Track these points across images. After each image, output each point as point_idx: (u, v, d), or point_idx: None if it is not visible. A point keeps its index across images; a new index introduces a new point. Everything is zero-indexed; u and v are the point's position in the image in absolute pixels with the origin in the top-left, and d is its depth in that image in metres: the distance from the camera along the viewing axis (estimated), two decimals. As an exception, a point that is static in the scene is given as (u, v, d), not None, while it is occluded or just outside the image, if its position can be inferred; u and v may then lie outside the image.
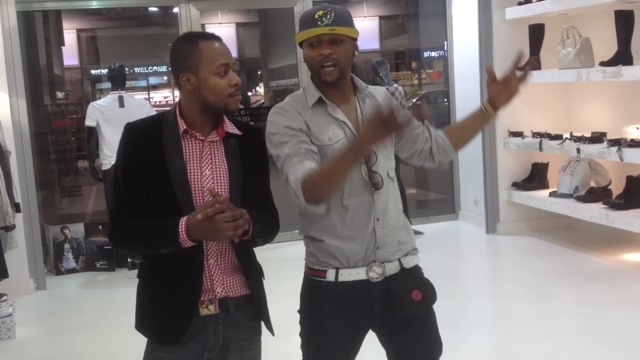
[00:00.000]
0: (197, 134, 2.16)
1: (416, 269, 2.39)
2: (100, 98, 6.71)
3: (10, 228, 5.19)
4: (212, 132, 2.18)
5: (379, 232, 2.28)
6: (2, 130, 5.49)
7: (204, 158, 2.15)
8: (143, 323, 2.22)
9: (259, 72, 13.03)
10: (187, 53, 2.12)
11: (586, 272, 5.47)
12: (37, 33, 8.29)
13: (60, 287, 6.09)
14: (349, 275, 2.28)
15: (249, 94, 13.62)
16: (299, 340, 2.39)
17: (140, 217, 2.12)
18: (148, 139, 2.14)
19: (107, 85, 7.05)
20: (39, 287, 5.90)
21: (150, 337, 2.21)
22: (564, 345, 4.15)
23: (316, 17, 2.23)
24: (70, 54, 11.96)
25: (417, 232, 7.06)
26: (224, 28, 12.63)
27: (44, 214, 6.89)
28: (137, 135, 2.17)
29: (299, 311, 2.39)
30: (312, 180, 2.11)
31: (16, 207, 5.37)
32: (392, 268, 2.31)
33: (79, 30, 12.49)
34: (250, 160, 2.20)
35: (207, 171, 2.14)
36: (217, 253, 2.16)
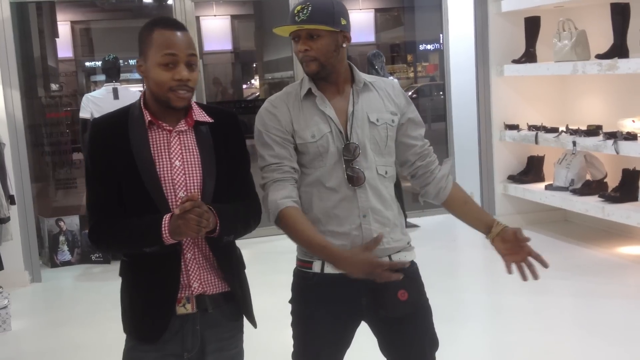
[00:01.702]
0: (164, 125, 2.08)
1: (409, 266, 2.35)
2: (94, 90, 6.68)
3: (4, 220, 5.17)
4: (181, 121, 2.10)
5: (366, 228, 2.26)
6: (-4, 122, 5.46)
7: (173, 149, 2.07)
8: (124, 321, 2.18)
9: (254, 65, 13.00)
10: (143, 38, 2.06)
11: (582, 265, 5.48)
12: (30, 25, 8.24)
13: (55, 280, 6.08)
14: (335, 267, 2.26)
15: (244, 86, 13.59)
16: (289, 334, 2.39)
17: (117, 214, 2.06)
18: (114, 134, 2.07)
19: (102, 77, 7.03)
20: (34, 279, 5.88)
21: (130, 334, 2.16)
22: (559, 338, 4.16)
23: (295, 12, 2.23)
24: (64, 46, 11.90)
25: (413, 225, 7.07)
26: (218, 20, 12.59)
27: (38, 207, 6.87)
28: (103, 130, 2.10)
29: (289, 302, 2.39)
30: (287, 223, 2.19)
31: (11, 200, 5.35)
32: None
33: (73, 22, 12.43)
34: (225, 147, 2.13)
35: (177, 162, 2.06)
36: (194, 247, 2.10)
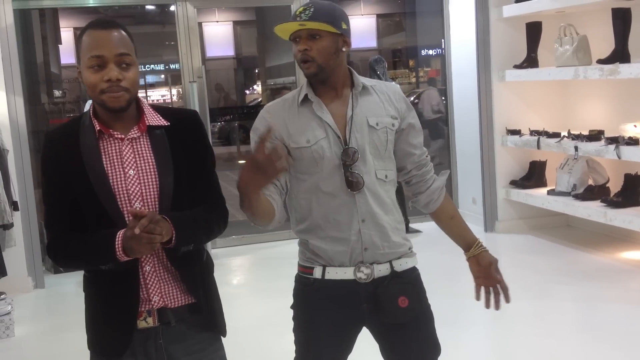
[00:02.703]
0: (114, 133, 1.98)
1: (410, 272, 2.34)
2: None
3: (8, 226, 5.19)
4: (133, 127, 2.00)
5: (365, 233, 2.25)
6: (-1, 128, 5.48)
7: (126, 158, 1.98)
8: (87, 336, 2.13)
9: (257, 71, 13.02)
10: (77, 42, 1.97)
11: (584, 270, 5.47)
12: (34, 31, 8.26)
13: (58, 286, 6.08)
14: (335, 273, 2.26)
15: (247, 92, 13.61)
16: (289, 340, 2.40)
17: (74, 228, 1.99)
18: (65, 146, 1.99)
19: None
20: (37, 285, 5.89)
21: (93, 350, 2.11)
22: (561, 342, 4.16)
23: (297, 12, 2.23)
24: (67, 52, 11.91)
25: (416, 231, 7.06)
26: (221, 26, 12.61)
27: (41, 212, 6.88)
28: (55, 142, 2.03)
29: (291, 307, 2.39)
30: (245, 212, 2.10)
31: (14, 206, 5.36)
32: (382, 270, 2.27)
33: (76, 29, 12.44)
34: (183, 149, 2.02)
35: (132, 171, 1.97)
36: (154, 259, 2.00)
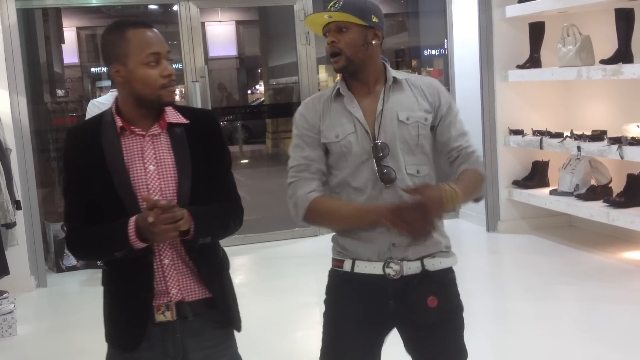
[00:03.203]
0: (136, 130, 2.05)
1: (443, 273, 2.29)
2: (100, 96, 6.70)
3: (11, 225, 5.19)
4: (154, 125, 2.07)
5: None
6: (2, 127, 5.49)
7: (147, 154, 2.04)
8: (105, 328, 2.17)
9: (259, 70, 13.02)
10: (114, 42, 2.02)
11: (586, 270, 5.47)
12: (37, 31, 8.28)
13: (61, 285, 6.09)
14: (365, 267, 2.25)
15: (249, 92, 13.61)
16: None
17: (93, 222, 2.04)
18: (88, 142, 2.06)
19: (107, 83, 7.05)
20: (39, 284, 5.90)
21: (110, 343, 2.14)
22: (564, 343, 4.15)
23: (328, 7, 2.24)
24: (70, 52, 11.93)
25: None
26: (224, 26, 12.62)
27: (44, 212, 6.89)
28: (77, 138, 2.10)
29: (324, 302, 2.37)
30: (318, 210, 2.19)
31: (17, 205, 5.37)
32: (412, 268, 2.23)
33: (79, 28, 12.48)
34: (201, 148, 2.09)
35: (152, 167, 2.03)
36: (173, 253, 2.06)
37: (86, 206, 2.04)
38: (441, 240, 2.30)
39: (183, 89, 8.22)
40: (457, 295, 2.34)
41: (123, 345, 2.09)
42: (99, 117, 2.10)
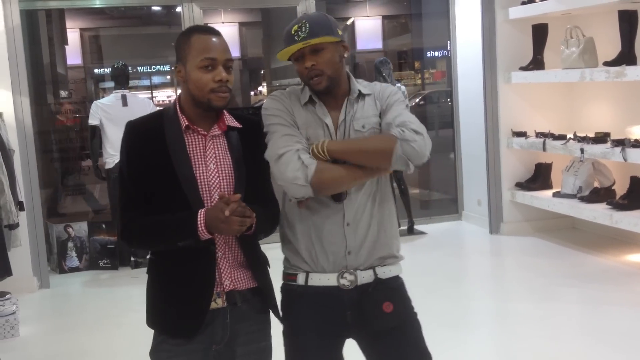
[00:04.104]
0: (199, 129, 2.16)
1: (393, 280, 2.32)
2: (103, 97, 6.72)
3: (13, 226, 5.19)
4: (214, 126, 2.19)
5: (350, 235, 2.24)
6: (5, 128, 5.50)
7: (208, 153, 2.16)
8: (154, 318, 2.22)
9: (262, 72, 13.03)
10: (181, 44, 2.15)
11: (589, 272, 5.46)
12: (40, 32, 8.29)
13: (63, 286, 6.10)
14: (319, 279, 2.26)
15: (252, 93, 13.62)
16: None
17: (149, 213, 2.13)
18: (150, 136, 2.15)
19: (111, 84, 7.06)
20: (42, 285, 5.91)
21: (163, 331, 2.19)
22: (566, 345, 4.15)
23: (292, 32, 2.22)
24: (73, 53, 11.93)
25: (420, 232, 7.06)
26: (227, 27, 12.62)
27: (47, 213, 6.90)
28: (140, 132, 2.19)
29: (281, 322, 2.36)
30: (325, 174, 2.14)
31: (20, 206, 5.38)
32: (365, 277, 2.26)
33: (82, 30, 12.48)
34: (251, 152, 2.21)
35: (212, 165, 2.15)
36: (225, 246, 2.17)
37: (143, 198, 2.14)
38: (392, 249, 2.32)
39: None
40: (409, 298, 2.36)
41: (181, 331, 2.15)
42: (160, 113, 2.21)
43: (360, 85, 2.34)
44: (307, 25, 2.21)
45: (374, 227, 2.27)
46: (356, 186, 2.23)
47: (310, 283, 2.27)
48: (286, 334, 2.35)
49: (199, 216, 2.06)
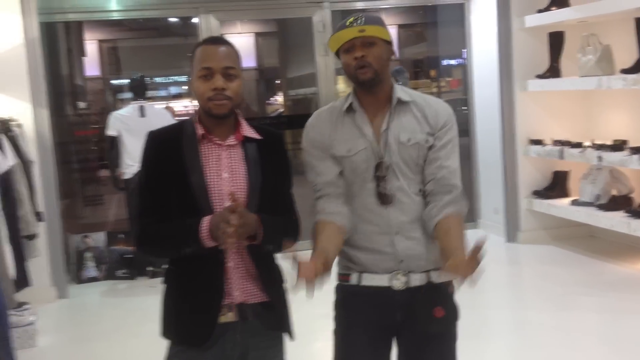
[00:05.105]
0: (214, 139, 2.19)
1: (447, 285, 2.32)
2: (121, 108, 6.77)
3: (32, 237, 5.24)
4: (231, 136, 2.21)
5: (399, 246, 2.26)
6: (25, 139, 5.56)
7: (223, 162, 2.18)
8: (169, 327, 2.23)
9: (278, 81, 13.07)
10: (191, 58, 2.20)
11: (607, 281, 5.42)
12: (59, 44, 8.38)
13: (81, 296, 6.14)
14: (372, 279, 2.28)
15: (268, 102, 13.65)
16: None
17: (164, 221, 2.15)
18: (168, 145, 2.19)
19: (128, 95, 7.11)
20: (60, 295, 5.94)
21: (176, 339, 2.21)
22: (584, 354, 4.12)
23: (347, 23, 2.25)
24: (91, 65, 12.05)
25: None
26: (243, 38, 12.68)
27: (66, 223, 6.96)
28: (158, 141, 2.22)
29: (333, 319, 2.40)
30: (313, 234, 2.25)
31: (39, 216, 5.43)
32: (418, 279, 2.27)
33: (100, 41, 12.60)
34: (270, 164, 2.22)
35: (226, 175, 2.16)
36: (237, 257, 2.17)
37: (159, 205, 2.16)
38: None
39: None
40: (457, 308, 2.39)
41: (192, 340, 2.17)
42: (180, 124, 2.25)
43: (400, 92, 2.33)
44: (364, 18, 2.24)
45: (423, 238, 2.27)
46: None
47: (363, 283, 2.29)
48: (339, 332, 2.36)
49: (203, 222, 2.07)
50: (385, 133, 2.27)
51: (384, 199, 2.25)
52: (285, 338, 2.30)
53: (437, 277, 2.29)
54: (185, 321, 2.17)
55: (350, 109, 2.31)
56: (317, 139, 2.32)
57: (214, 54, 2.14)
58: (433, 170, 2.27)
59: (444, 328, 2.30)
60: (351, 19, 2.25)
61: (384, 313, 2.29)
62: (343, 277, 2.35)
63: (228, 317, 2.16)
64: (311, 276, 1.99)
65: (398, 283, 2.26)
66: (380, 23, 2.27)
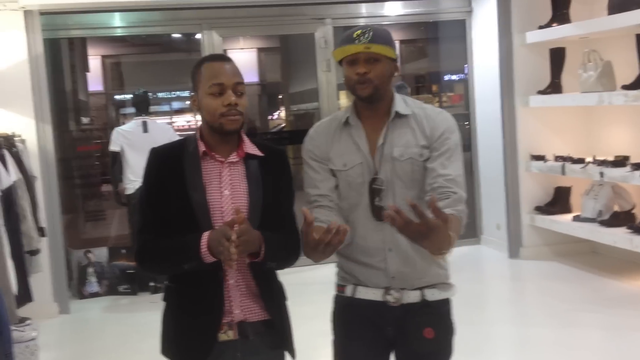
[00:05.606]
0: (216, 156, 2.18)
1: (442, 304, 2.32)
2: (124, 123, 6.79)
3: (35, 252, 5.24)
4: (232, 153, 2.20)
5: (391, 262, 2.26)
6: (28, 155, 5.57)
7: (224, 179, 2.17)
8: (169, 346, 2.23)
9: (280, 97, 13.11)
10: (194, 74, 2.20)
11: (610, 297, 5.40)
12: (62, 60, 8.42)
13: (83, 311, 6.13)
14: (365, 293, 2.29)
15: (270, 118, 13.68)
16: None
17: (164, 237, 2.14)
18: (170, 162, 2.19)
19: (131, 110, 7.13)
20: (62, 311, 5.94)
21: (176, 358, 2.21)
22: (589, 371, 4.10)
23: (354, 35, 2.24)
24: (95, 80, 12.10)
25: (439, 257, 7.02)
26: (245, 53, 12.75)
27: (68, 238, 6.96)
28: (161, 159, 2.22)
29: (332, 330, 2.41)
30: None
31: (41, 232, 5.43)
32: (412, 297, 2.27)
33: (103, 57, 12.66)
34: (272, 181, 2.21)
35: (227, 192, 2.16)
36: (238, 274, 2.15)
37: (160, 221, 2.16)
38: (440, 273, 2.33)
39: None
40: (452, 326, 2.36)
41: (190, 359, 2.16)
42: (183, 141, 2.25)
43: (400, 104, 2.31)
44: (371, 33, 2.23)
45: (421, 253, 2.22)
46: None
47: (357, 295, 2.30)
48: (337, 343, 2.37)
49: (202, 238, 2.06)
50: (382, 148, 2.27)
51: (379, 214, 2.23)
52: (287, 356, 2.29)
53: (432, 295, 2.29)
54: (185, 339, 2.16)
55: (347, 123, 2.32)
56: (315, 151, 2.33)
57: (224, 71, 2.15)
58: (430, 181, 2.25)
59: (435, 348, 2.29)
60: (358, 32, 2.24)
61: (376, 326, 2.30)
62: (339, 287, 2.37)
63: (228, 335, 2.14)
64: (324, 236, 1.92)
65: (391, 299, 2.27)
66: (387, 41, 2.25)
